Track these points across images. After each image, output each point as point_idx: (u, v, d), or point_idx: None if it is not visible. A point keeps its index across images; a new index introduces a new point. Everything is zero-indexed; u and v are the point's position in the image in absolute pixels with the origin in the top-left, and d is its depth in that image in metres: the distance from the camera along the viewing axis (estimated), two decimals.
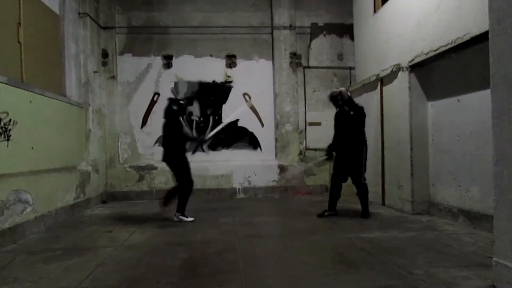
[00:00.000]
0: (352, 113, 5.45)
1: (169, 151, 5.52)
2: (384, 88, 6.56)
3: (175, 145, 5.49)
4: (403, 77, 5.91)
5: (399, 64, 5.97)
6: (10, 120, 4.58)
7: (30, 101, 5.10)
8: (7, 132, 4.53)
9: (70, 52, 6.78)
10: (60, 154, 5.97)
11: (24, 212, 4.70)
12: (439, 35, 5.02)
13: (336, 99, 5.64)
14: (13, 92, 4.68)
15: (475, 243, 4.07)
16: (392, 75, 6.18)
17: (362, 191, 5.58)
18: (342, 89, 5.74)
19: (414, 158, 5.77)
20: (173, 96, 8.14)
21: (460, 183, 5.10)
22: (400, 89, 6.00)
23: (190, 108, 8.47)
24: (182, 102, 5.77)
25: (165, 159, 5.56)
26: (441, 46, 4.97)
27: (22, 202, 4.67)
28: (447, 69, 5.37)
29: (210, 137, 6.96)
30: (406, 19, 5.86)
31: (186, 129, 5.87)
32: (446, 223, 5.10)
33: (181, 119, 5.66)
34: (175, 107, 5.55)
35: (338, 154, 5.70)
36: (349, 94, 5.70)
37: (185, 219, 5.50)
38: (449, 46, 4.82)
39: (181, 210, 5.53)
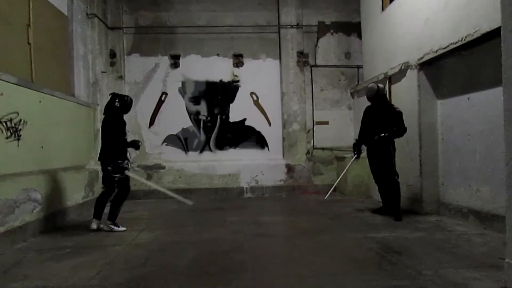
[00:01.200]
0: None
1: (105, 151, 4.94)
2: (392, 86, 6.51)
3: (112, 145, 4.89)
4: (412, 75, 5.86)
5: (407, 62, 5.92)
6: (20, 120, 4.63)
7: (40, 101, 5.15)
8: (18, 132, 4.58)
9: (79, 53, 6.83)
10: (69, 154, 6.02)
11: (34, 211, 4.74)
12: (449, 32, 4.96)
13: (374, 95, 5.49)
14: (23, 92, 4.73)
15: (486, 244, 4.02)
16: (401, 73, 6.13)
17: (394, 189, 5.39)
18: (380, 84, 5.64)
19: (423, 157, 5.72)
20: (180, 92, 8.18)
21: (470, 183, 5.04)
22: (409, 87, 5.94)
23: (197, 107, 8.50)
24: (126, 98, 5.12)
25: (100, 158, 5.02)
26: (450, 44, 4.91)
27: (32, 201, 4.72)
28: (457, 67, 5.31)
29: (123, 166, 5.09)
30: (415, 17, 5.80)
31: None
32: (456, 223, 5.04)
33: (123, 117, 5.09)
34: (117, 104, 4.98)
35: (373, 153, 5.65)
36: (385, 93, 5.60)
37: (117, 228, 4.95)
38: (459, 43, 4.75)
39: (113, 217, 4.98)
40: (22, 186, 4.54)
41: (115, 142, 4.87)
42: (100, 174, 7.01)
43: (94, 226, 4.96)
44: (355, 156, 5.96)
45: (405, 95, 6.08)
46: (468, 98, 5.07)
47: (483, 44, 4.56)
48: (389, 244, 4.05)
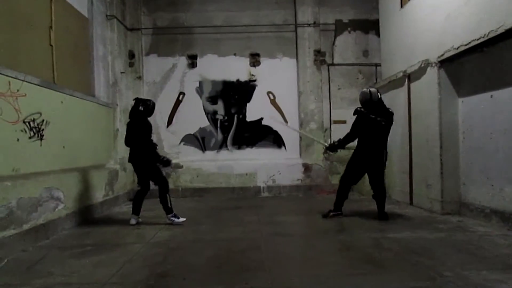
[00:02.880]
0: (378, 118, 5.19)
1: (135, 152, 5.27)
2: (411, 84, 6.41)
3: (141, 147, 5.22)
4: (432, 73, 5.75)
5: (427, 60, 5.81)
6: (43, 120, 4.75)
7: (61, 102, 5.27)
8: (40, 132, 4.70)
9: (98, 54, 6.95)
10: (89, 153, 6.14)
11: (56, 209, 4.85)
12: (471, 29, 4.85)
13: (367, 100, 5.36)
14: (45, 93, 4.85)
15: (510, 245, 3.92)
16: (420, 71, 6.02)
17: (381, 194, 5.40)
18: (372, 89, 5.45)
19: (443, 156, 5.61)
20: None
21: (493, 182, 4.92)
22: (429, 85, 5.84)
23: (214, 107, 8.55)
24: (149, 102, 5.39)
25: (130, 160, 5.36)
26: (472, 40, 4.80)
27: (55, 199, 4.83)
28: (479, 64, 5.19)
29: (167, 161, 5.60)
30: (435, 13, 5.69)
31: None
32: (478, 224, 4.93)
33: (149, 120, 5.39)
34: (141, 108, 5.26)
35: (354, 157, 5.56)
36: (379, 96, 5.40)
37: (177, 220, 5.30)
38: (482, 39, 4.64)
39: (169, 210, 5.32)
40: (45, 185, 4.64)
41: (142, 144, 5.20)
42: (120, 173, 7.21)
43: (133, 221, 5.30)
44: (328, 150, 5.94)
45: (424, 93, 5.98)
46: (491, 96, 4.95)
47: (507, 40, 4.44)
48: (408, 245, 3.99)
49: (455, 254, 3.66)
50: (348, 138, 5.65)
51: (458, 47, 5.13)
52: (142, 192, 5.44)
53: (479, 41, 4.71)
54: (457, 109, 5.63)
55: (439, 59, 5.58)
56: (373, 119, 5.21)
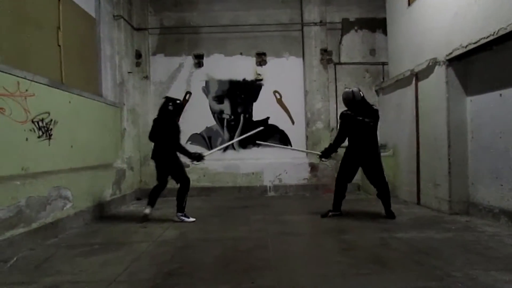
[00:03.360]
0: (366, 120, 5.22)
1: (160, 149, 5.39)
2: (419, 83, 6.37)
3: (167, 145, 5.35)
4: (440, 72, 5.71)
5: (435, 58, 5.77)
6: (51, 120, 4.79)
7: (69, 102, 5.31)
8: (49, 132, 4.74)
9: (106, 54, 6.99)
10: (97, 152, 6.19)
11: (64, 208, 4.89)
12: (479, 27, 4.80)
13: (350, 100, 5.40)
14: (53, 93, 4.89)
15: None
16: (428, 70, 5.98)
17: (385, 191, 5.39)
18: (354, 89, 5.49)
19: (452, 156, 5.57)
20: (199, 94, 8.27)
21: (502, 182, 4.87)
22: (437, 84, 5.79)
23: (221, 106, 8.56)
24: (178, 101, 5.54)
25: (154, 157, 5.47)
26: (481, 38, 4.74)
27: (63, 198, 4.87)
28: (488, 62, 5.13)
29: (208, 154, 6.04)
30: (443, 11, 5.64)
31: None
32: (487, 224, 4.89)
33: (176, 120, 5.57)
34: (170, 107, 5.39)
35: (347, 155, 5.56)
36: (362, 95, 5.41)
37: (186, 219, 5.40)
38: (491, 37, 4.59)
39: (181, 209, 5.43)
40: (53, 184, 4.68)
41: (169, 142, 5.33)
42: (127, 173, 7.25)
43: (146, 211, 5.48)
44: (322, 158, 5.89)
45: (432, 92, 5.94)
46: (500, 95, 4.90)
47: None
48: (416, 245, 3.97)
49: (463, 254, 3.63)
50: (338, 141, 5.65)
51: (466, 46, 5.08)
52: (159, 188, 5.58)
53: (488, 39, 4.65)
54: (466, 108, 5.58)
55: (447, 58, 5.54)
56: (360, 120, 5.24)
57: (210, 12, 8.54)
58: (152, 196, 5.57)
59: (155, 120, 5.51)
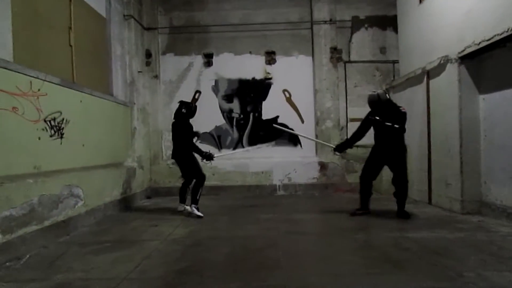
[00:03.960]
0: (395, 126, 5.19)
1: (177, 149, 5.91)
2: (430, 81, 6.30)
3: (183, 144, 5.85)
4: (452, 70, 5.63)
5: (447, 56, 5.70)
6: (63, 119, 4.84)
7: (81, 101, 5.36)
8: (60, 131, 4.80)
9: (116, 53, 7.05)
10: (108, 151, 6.24)
11: (76, 206, 4.94)
12: (493, 23, 4.72)
13: (376, 103, 5.40)
14: (65, 92, 4.94)
15: None
16: (440, 68, 5.91)
17: (403, 192, 5.36)
18: (380, 91, 5.47)
19: (464, 155, 5.50)
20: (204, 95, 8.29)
21: None
22: (449, 82, 5.72)
23: (230, 105, 8.57)
24: (191, 105, 6.07)
25: (174, 156, 6.01)
26: (495, 35, 4.67)
27: (74, 197, 4.92)
28: (501, 60, 5.04)
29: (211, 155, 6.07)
30: (456, 8, 5.57)
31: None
32: (500, 224, 4.82)
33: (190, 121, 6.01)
34: (184, 110, 5.92)
35: (373, 154, 5.58)
36: (388, 97, 5.39)
37: (196, 212, 5.70)
38: (505, 34, 4.50)
39: (195, 201, 5.78)
40: (65, 182, 4.73)
41: (185, 141, 5.84)
42: (138, 171, 7.31)
43: (180, 208, 6.12)
44: (335, 151, 5.96)
45: (444, 90, 5.87)
46: None
47: None
48: (428, 245, 3.93)
49: (476, 254, 3.58)
50: (355, 138, 5.65)
51: (479, 43, 5.00)
52: (186, 184, 6.21)
53: (502, 36, 4.57)
54: (478, 106, 5.50)
55: (460, 55, 5.46)
56: (389, 126, 5.23)
57: (219, 11, 8.54)
58: (182, 193, 6.21)
59: (172, 124, 6.03)
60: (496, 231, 4.47)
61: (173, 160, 8.27)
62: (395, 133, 5.26)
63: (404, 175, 5.37)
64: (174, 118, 6.04)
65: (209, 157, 5.92)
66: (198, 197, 5.79)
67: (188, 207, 5.84)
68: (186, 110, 5.94)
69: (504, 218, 4.94)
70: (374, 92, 5.49)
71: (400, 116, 5.27)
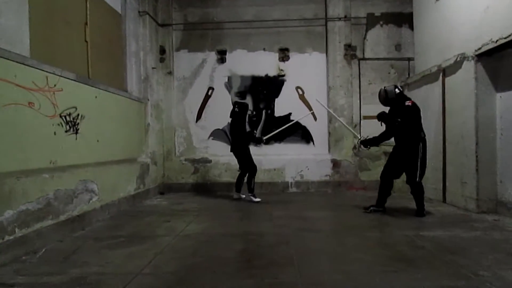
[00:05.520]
0: (398, 120, 5.19)
1: (235, 144, 6.76)
2: (446, 79, 6.20)
3: (239, 140, 6.70)
4: (469, 67, 5.54)
5: (464, 53, 5.61)
6: (78, 114, 4.89)
7: (96, 97, 5.41)
8: (76, 126, 4.85)
9: (131, 50, 7.10)
10: (122, 147, 6.30)
11: (90, 201, 5.01)
12: (511, 21, 4.63)
13: (384, 99, 5.44)
14: (80, 88, 5.00)
15: None
16: (456, 65, 5.82)
17: (417, 191, 5.29)
18: (388, 87, 5.47)
19: (479, 153, 5.41)
20: (232, 94, 8.33)
21: None
22: (465, 80, 5.63)
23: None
24: (242, 104, 6.85)
25: (232, 150, 6.84)
26: None
27: (89, 192, 4.99)
28: None
29: (268, 137, 7.38)
30: (473, 5, 5.47)
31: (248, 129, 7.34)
32: None
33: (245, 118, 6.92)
34: (236, 109, 6.70)
35: (392, 152, 5.55)
36: (397, 92, 5.35)
37: (254, 199, 6.63)
38: None
39: (251, 190, 6.70)
40: (80, 177, 4.80)
41: (241, 135, 6.74)
42: (151, 167, 7.38)
43: (235, 196, 7.02)
44: (361, 144, 5.89)
45: (460, 88, 5.77)
46: None
47: None
48: (442, 243, 3.89)
49: (491, 253, 3.53)
50: (382, 137, 5.52)
51: (497, 41, 4.91)
52: (242, 175, 6.94)
53: None
54: (495, 104, 5.41)
55: (476, 53, 5.37)
56: (392, 123, 5.25)
57: (233, 8, 8.53)
58: (238, 183, 6.98)
59: (230, 123, 7.01)
60: (511, 230, 4.40)
61: (185, 157, 8.43)
62: (400, 130, 5.22)
63: (414, 175, 5.25)
64: (230, 117, 6.87)
65: (258, 140, 7.11)
66: (252, 186, 6.72)
67: (244, 196, 6.83)
68: (239, 109, 6.69)
69: None
70: (383, 88, 5.50)
71: (403, 111, 5.20)
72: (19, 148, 3.81)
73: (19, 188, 3.67)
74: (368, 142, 5.69)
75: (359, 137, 6.03)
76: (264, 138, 7.13)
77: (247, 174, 6.83)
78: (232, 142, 6.88)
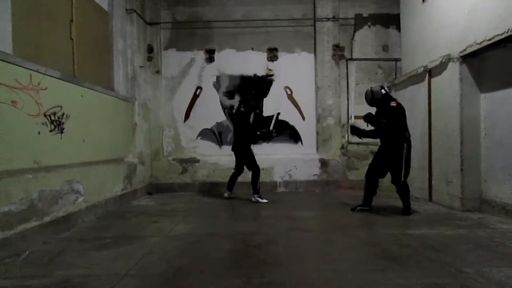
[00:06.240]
0: (383, 120, 5.25)
1: (237, 143, 6.73)
2: (432, 80, 6.29)
3: (243, 139, 6.66)
4: (454, 68, 5.63)
5: (449, 55, 5.69)
6: (63, 113, 4.81)
7: (81, 95, 5.33)
8: (61, 125, 4.77)
9: (118, 48, 7.01)
10: (108, 147, 6.22)
11: (76, 202, 4.94)
12: (494, 23, 4.72)
13: (370, 99, 5.51)
14: (65, 86, 4.91)
15: None
16: (442, 66, 5.90)
17: (402, 190, 5.35)
18: (374, 87, 5.54)
19: (464, 153, 5.50)
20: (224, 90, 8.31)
21: None
22: (450, 81, 5.71)
23: (231, 101, 8.53)
24: (248, 103, 6.83)
25: (233, 148, 6.81)
26: (496, 35, 4.68)
27: (75, 192, 4.91)
28: (502, 59, 5.06)
29: (273, 130, 7.55)
30: (458, 7, 5.56)
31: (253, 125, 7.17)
32: (499, 221, 4.83)
33: (251, 116, 6.89)
34: (242, 108, 6.71)
35: (377, 151, 5.62)
36: (383, 92, 5.42)
37: (261, 200, 6.55)
38: (505, 35, 4.53)
39: (257, 192, 6.61)
40: (65, 177, 4.72)
41: (247, 135, 6.70)
42: (138, 167, 7.31)
43: (225, 195, 6.97)
44: (351, 127, 5.92)
45: (445, 89, 5.86)
46: None
47: None
48: (428, 241, 3.94)
49: (476, 250, 3.60)
50: (370, 134, 5.60)
51: (481, 42, 5.01)
52: (236, 174, 6.90)
53: (502, 36, 4.60)
54: (479, 105, 5.51)
55: (461, 54, 5.46)
56: (377, 123, 5.30)
57: (222, 7, 8.50)
58: (231, 181, 6.91)
59: (234, 121, 7.04)
60: (495, 227, 4.49)
61: (173, 156, 8.37)
62: (385, 130, 5.28)
63: (398, 174, 5.30)
64: (235, 116, 6.89)
65: (270, 133, 7.23)
66: (258, 188, 6.61)
67: (253, 198, 6.63)
68: (244, 108, 6.67)
69: (503, 215, 4.97)
70: (369, 88, 5.57)
71: (388, 111, 5.26)
72: (1, 148, 3.72)
73: (2, 189, 3.59)
74: (355, 130, 5.71)
75: (352, 121, 6.09)
76: (271, 128, 7.37)
77: (240, 174, 6.87)
78: (235, 141, 6.82)
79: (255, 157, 6.78)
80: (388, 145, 5.36)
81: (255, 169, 6.64)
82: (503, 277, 2.89)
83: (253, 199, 6.61)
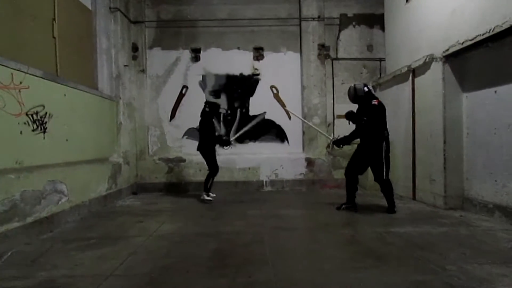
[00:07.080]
0: (364, 118, 5.33)
1: (202, 143, 6.68)
2: (416, 79, 6.38)
3: (206, 139, 6.63)
4: (437, 68, 5.72)
5: (432, 55, 5.78)
6: (46, 113, 4.74)
7: (65, 95, 5.26)
8: (43, 125, 4.70)
9: (102, 47, 6.93)
10: (93, 146, 6.15)
11: (59, 202, 4.87)
12: (476, 24, 4.82)
13: (353, 96, 5.55)
14: (48, 85, 4.84)
15: None
16: (425, 66, 5.99)
17: (386, 188, 5.41)
18: (357, 84, 5.58)
19: (447, 152, 5.60)
20: (205, 92, 8.27)
21: (496, 178, 4.91)
22: (433, 80, 5.81)
23: (217, 101, 8.50)
24: (213, 104, 6.91)
25: (198, 148, 6.74)
26: (478, 35, 4.77)
27: (58, 192, 4.84)
28: (484, 59, 5.16)
29: (236, 138, 7.87)
30: (441, 8, 5.65)
31: (217, 128, 7.55)
32: (481, 219, 4.93)
33: (213, 119, 6.88)
34: (207, 109, 6.70)
35: (356, 149, 5.69)
36: (366, 89, 5.49)
37: (206, 197, 6.61)
38: (487, 35, 4.61)
39: (206, 190, 6.65)
40: (48, 177, 4.65)
41: (209, 135, 6.67)
42: (123, 167, 7.24)
43: (202, 197, 6.75)
44: (333, 144, 6.00)
45: (429, 88, 5.95)
46: (495, 92, 4.94)
47: None
48: (411, 239, 4.00)
49: (458, 248, 3.66)
50: (353, 136, 5.66)
51: (463, 42, 5.10)
52: (210, 175, 6.77)
53: (484, 36, 4.67)
54: (462, 104, 5.61)
55: (444, 54, 5.55)
56: (365, 121, 5.34)
57: (207, 6, 8.47)
58: (206, 183, 6.73)
59: (199, 122, 6.78)
60: (477, 225, 4.58)
61: (159, 156, 8.31)
62: (366, 128, 5.35)
63: (380, 172, 5.36)
64: (200, 116, 6.74)
65: (226, 142, 7.31)
66: (209, 186, 6.64)
67: (201, 196, 6.67)
68: (209, 108, 6.70)
69: (484, 213, 5.06)
70: (352, 85, 5.62)
71: (369, 109, 5.33)
72: None
73: None
74: (340, 142, 5.81)
75: (332, 138, 6.14)
76: (232, 139, 7.49)
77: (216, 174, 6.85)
78: (199, 141, 6.78)
79: (219, 157, 7.00)
80: (368, 143, 5.43)
81: (213, 170, 6.69)
82: (484, 274, 2.94)
83: (201, 196, 6.69)
